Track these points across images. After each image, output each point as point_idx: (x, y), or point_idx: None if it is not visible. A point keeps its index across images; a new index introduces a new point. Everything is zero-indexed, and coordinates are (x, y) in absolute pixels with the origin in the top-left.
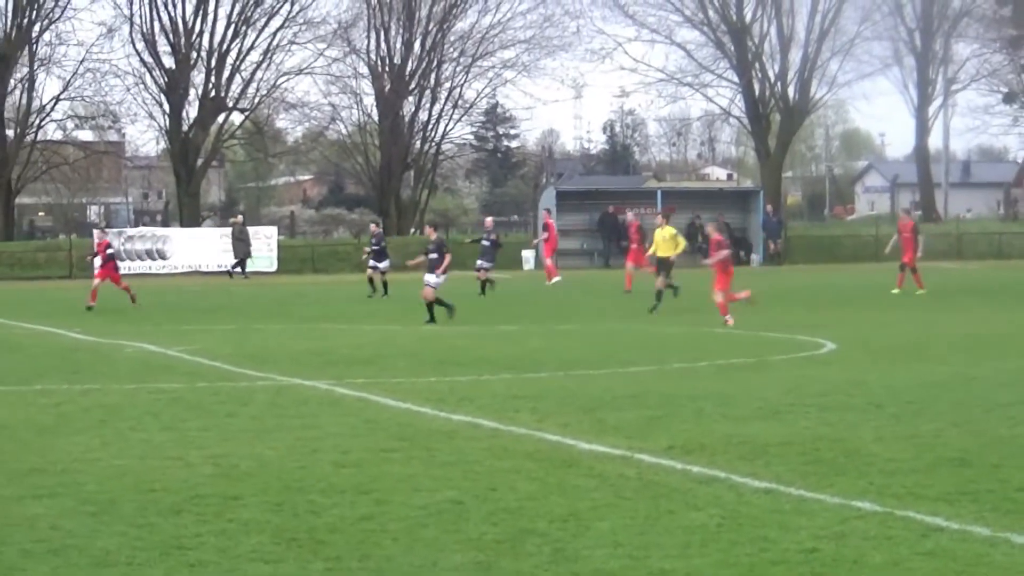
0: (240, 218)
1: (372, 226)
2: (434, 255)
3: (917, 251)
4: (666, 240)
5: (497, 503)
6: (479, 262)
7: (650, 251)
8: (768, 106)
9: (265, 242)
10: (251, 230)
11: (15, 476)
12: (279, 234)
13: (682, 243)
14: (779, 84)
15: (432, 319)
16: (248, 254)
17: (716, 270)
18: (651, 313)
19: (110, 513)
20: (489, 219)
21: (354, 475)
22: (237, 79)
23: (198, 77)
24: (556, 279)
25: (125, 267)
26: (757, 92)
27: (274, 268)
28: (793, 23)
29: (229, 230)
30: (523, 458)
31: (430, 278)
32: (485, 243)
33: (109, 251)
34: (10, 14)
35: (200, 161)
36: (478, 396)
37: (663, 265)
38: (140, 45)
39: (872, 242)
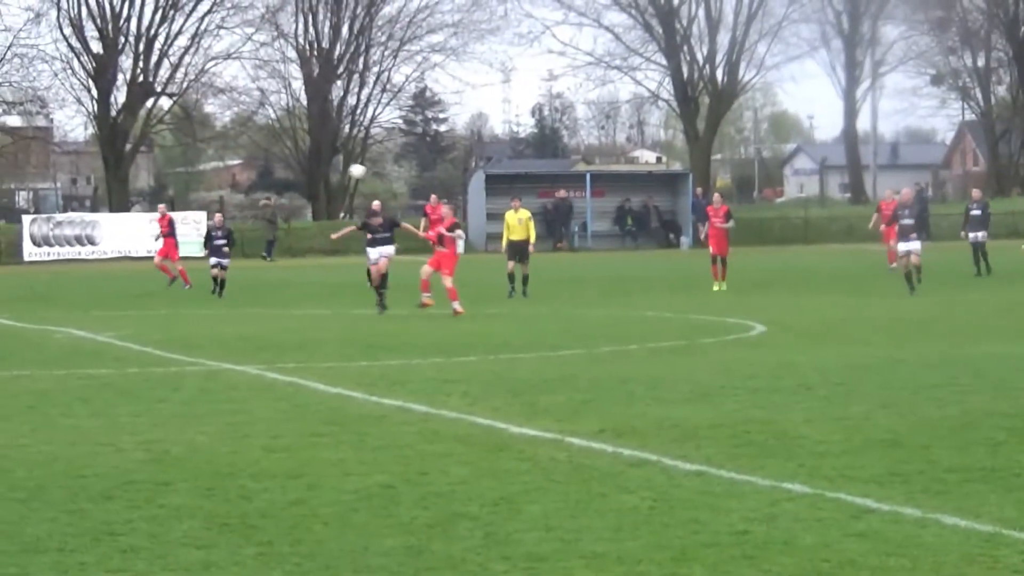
0: (270, 200)
1: (218, 216)
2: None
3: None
4: (520, 224)
5: (428, 487)
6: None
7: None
8: (697, 89)
9: (194, 227)
10: (178, 215)
11: None
12: (207, 219)
13: (533, 228)
14: (707, 67)
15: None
16: (275, 238)
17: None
18: (510, 298)
19: (40, 499)
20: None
21: (285, 460)
22: (165, 64)
23: (126, 62)
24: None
25: (54, 253)
26: (686, 75)
27: (203, 253)
28: (721, 5)
29: (156, 215)
30: (454, 442)
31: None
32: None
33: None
34: None
35: (128, 146)
36: (408, 380)
37: (516, 250)
38: (68, 30)
39: (801, 224)
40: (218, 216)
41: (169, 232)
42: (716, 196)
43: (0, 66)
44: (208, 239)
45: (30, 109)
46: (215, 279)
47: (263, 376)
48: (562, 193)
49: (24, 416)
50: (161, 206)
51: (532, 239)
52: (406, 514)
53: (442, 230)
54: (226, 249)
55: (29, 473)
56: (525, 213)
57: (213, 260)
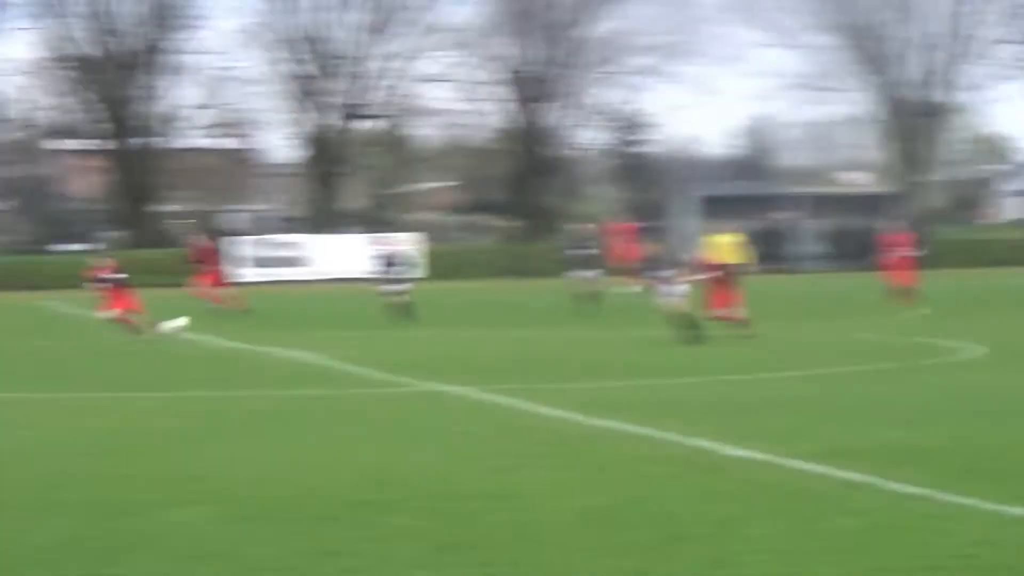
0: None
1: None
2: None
3: None
4: (729, 247)
5: (648, 509)
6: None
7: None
8: (908, 110)
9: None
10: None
11: (167, 483)
12: (422, 241)
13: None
14: (918, 87)
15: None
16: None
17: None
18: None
19: (262, 520)
20: (587, 226)
21: (506, 481)
22: (376, 86)
23: (337, 84)
24: None
25: (268, 274)
26: (897, 95)
27: (420, 275)
28: (930, 26)
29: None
30: (672, 464)
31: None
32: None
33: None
34: (149, 22)
35: (340, 168)
36: (627, 402)
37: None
38: (278, 53)
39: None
40: (395, 241)
41: (211, 259)
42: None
43: (213, 88)
44: (389, 264)
45: (241, 131)
46: (397, 304)
47: (484, 397)
48: (777, 215)
49: (246, 437)
50: (202, 236)
51: (743, 262)
52: (627, 536)
53: None
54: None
55: (252, 493)
56: (735, 236)
57: (392, 287)
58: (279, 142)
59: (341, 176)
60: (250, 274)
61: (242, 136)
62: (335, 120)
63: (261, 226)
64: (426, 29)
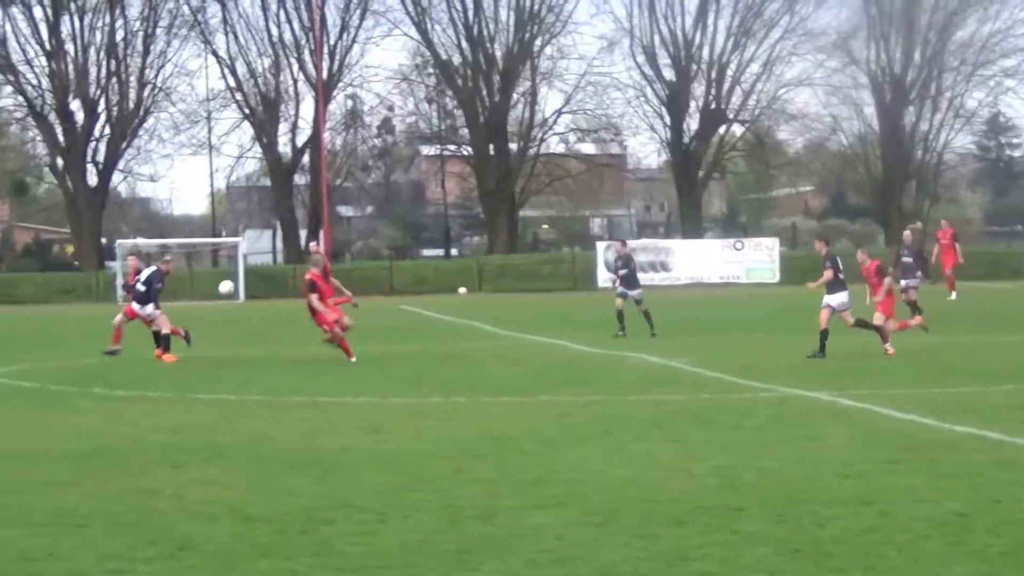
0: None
1: (618, 245)
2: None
3: None
4: None
5: (1002, 515)
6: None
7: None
8: None
9: (767, 253)
10: (751, 241)
11: (521, 487)
12: (780, 245)
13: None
14: None
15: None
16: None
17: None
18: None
19: (614, 524)
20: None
21: (857, 486)
22: (737, 91)
23: (698, 89)
24: None
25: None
26: None
27: (776, 279)
28: None
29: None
30: None
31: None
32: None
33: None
34: (512, 29)
35: (701, 173)
36: (981, 407)
37: None
38: (640, 58)
39: None
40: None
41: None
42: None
43: (575, 94)
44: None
45: (604, 137)
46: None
47: (835, 402)
48: None
49: (599, 441)
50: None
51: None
52: (979, 542)
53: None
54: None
55: (604, 498)
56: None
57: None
58: (642, 147)
59: (703, 181)
60: (605, 279)
61: (606, 142)
62: (697, 125)
63: (618, 231)
64: (787, 33)
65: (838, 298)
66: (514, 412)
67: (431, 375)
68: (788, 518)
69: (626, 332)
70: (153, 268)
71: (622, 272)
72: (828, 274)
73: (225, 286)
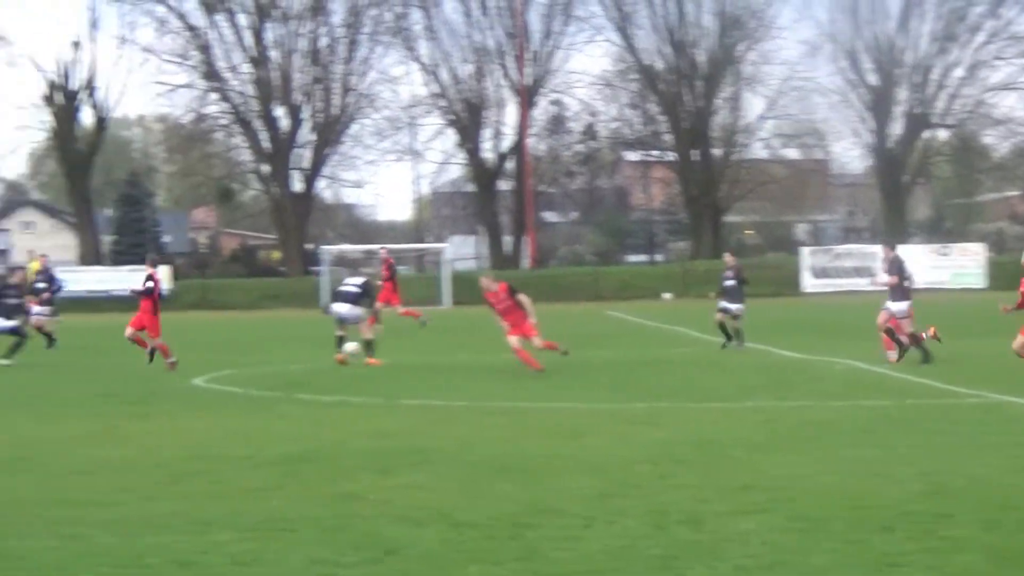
0: None
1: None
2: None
3: None
4: None
5: None
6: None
7: None
8: None
9: (973, 259)
10: (957, 247)
11: (728, 492)
12: (988, 251)
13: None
14: None
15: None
16: None
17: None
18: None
19: (821, 530)
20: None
21: None
22: (942, 95)
23: (902, 93)
24: None
25: (833, 284)
26: None
27: (984, 285)
28: None
29: (937, 247)
30: None
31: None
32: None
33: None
34: (715, 35)
35: (905, 178)
36: None
37: None
38: (843, 63)
39: None
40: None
41: (389, 276)
42: None
43: (778, 99)
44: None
45: (807, 142)
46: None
47: None
48: None
49: (807, 447)
50: (382, 250)
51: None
52: None
53: None
54: None
55: (812, 503)
56: None
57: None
58: (845, 152)
59: (907, 185)
60: (809, 284)
61: (809, 147)
62: (901, 129)
63: (822, 237)
64: (992, 37)
65: (898, 305)
66: (719, 417)
67: (636, 380)
68: (997, 525)
69: (740, 342)
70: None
71: (728, 284)
72: (893, 280)
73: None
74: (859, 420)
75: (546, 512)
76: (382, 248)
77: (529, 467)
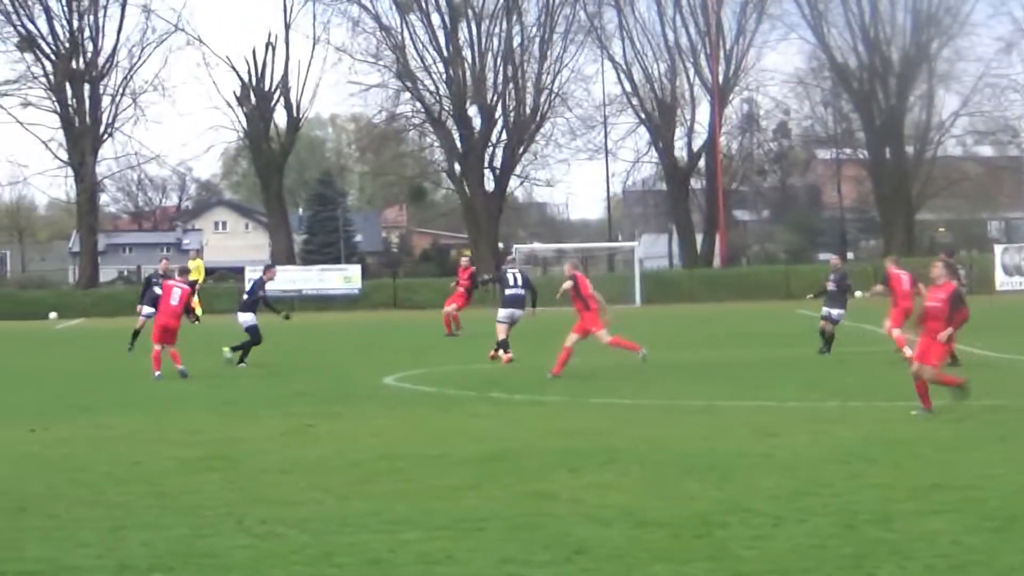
0: None
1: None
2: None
3: None
4: None
5: None
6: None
7: None
8: None
9: None
10: None
11: (917, 491)
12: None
13: None
14: None
15: None
16: None
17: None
18: None
19: (1013, 529)
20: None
21: None
22: None
23: None
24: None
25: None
26: None
27: None
28: None
29: None
30: None
31: None
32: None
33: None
34: (909, 32)
35: None
36: None
37: None
38: None
39: None
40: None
41: (470, 285)
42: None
43: (972, 96)
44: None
45: (1001, 139)
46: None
47: None
48: None
49: (998, 446)
50: (463, 259)
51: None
52: None
53: None
54: None
55: (1002, 503)
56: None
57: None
58: None
59: None
60: (1001, 282)
61: (1004, 144)
62: None
63: (1015, 234)
64: None
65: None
66: (909, 416)
67: (827, 379)
68: None
69: (827, 348)
70: None
71: (831, 288)
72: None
73: None
74: None
75: (735, 511)
76: (463, 257)
77: (718, 465)
